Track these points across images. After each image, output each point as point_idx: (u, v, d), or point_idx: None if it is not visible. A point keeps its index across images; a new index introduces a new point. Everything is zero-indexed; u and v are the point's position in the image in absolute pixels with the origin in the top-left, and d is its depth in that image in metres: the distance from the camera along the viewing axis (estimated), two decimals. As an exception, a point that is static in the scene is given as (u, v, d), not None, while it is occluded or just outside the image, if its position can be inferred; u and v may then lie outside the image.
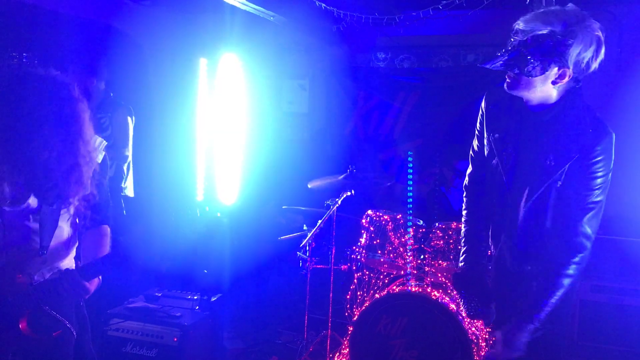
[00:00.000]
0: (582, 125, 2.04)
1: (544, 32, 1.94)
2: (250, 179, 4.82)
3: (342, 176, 3.86)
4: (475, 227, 2.39)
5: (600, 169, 2.02)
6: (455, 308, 3.39)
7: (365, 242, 3.76)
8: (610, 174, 2.06)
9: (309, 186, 4.01)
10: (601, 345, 4.04)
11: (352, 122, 5.29)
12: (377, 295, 3.63)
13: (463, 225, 2.45)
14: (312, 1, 3.99)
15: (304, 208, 4.28)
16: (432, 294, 3.42)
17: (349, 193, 3.75)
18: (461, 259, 2.42)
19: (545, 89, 2.04)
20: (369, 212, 3.85)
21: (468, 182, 2.50)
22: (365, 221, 3.82)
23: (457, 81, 4.83)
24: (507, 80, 2.09)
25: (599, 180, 2.02)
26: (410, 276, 3.67)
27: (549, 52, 1.94)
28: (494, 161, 2.25)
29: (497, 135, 2.22)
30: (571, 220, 2.07)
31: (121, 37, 4.63)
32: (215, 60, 4.75)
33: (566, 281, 2.05)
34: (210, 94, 4.81)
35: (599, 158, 2.01)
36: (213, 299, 3.80)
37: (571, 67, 1.97)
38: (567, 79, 2.00)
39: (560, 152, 2.06)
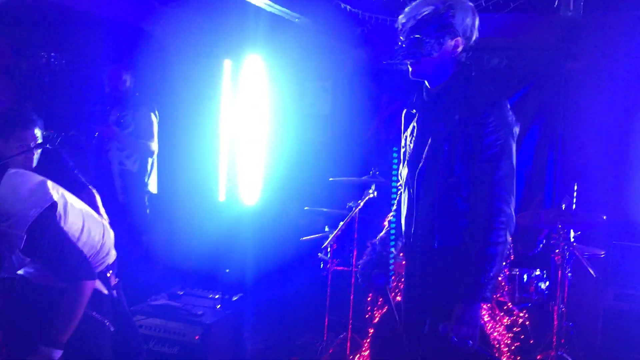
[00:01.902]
0: (470, 92, 2.15)
1: (429, 11, 2.13)
2: (272, 180, 4.84)
3: (364, 177, 3.86)
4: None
5: (491, 125, 2.06)
6: (477, 312, 3.37)
7: (387, 244, 3.75)
8: (509, 139, 2.07)
9: (330, 179, 4.03)
10: (626, 355, 3.98)
11: (374, 124, 5.28)
12: (398, 298, 3.62)
13: None
14: (337, 3, 4.00)
15: (325, 209, 4.28)
16: (454, 297, 3.40)
17: (371, 195, 3.75)
18: None
19: (444, 64, 2.17)
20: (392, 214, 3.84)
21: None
22: (388, 223, 3.81)
23: (480, 85, 4.79)
24: (410, 69, 2.23)
25: (493, 137, 2.06)
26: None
27: (439, 26, 2.12)
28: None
29: (411, 130, 2.36)
30: (479, 185, 2.09)
31: (148, 38, 4.68)
32: (239, 62, 4.78)
33: (496, 250, 2.02)
34: (234, 95, 4.85)
35: (486, 114, 2.06)
36: (234, 298, 3.83)
37: (461, 35, 2.14)
38: (460, 47, 2.16)
39: (448, 117, 2.16)
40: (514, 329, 3.57)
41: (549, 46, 4.46)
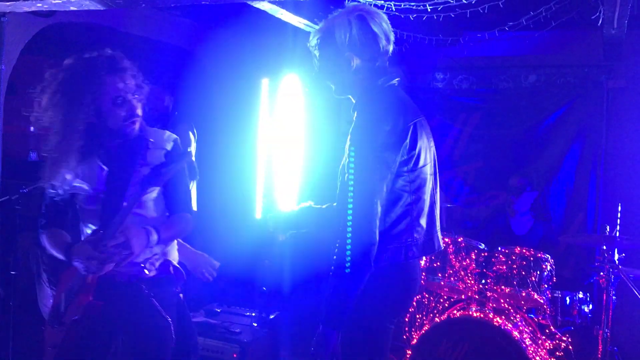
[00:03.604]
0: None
1: (315, 34, 2.18)
2: (309, 197, 4.84)
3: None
4: None
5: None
6: (518, 335, 3.31)
7: (425, 264, 3.72)
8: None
9: None
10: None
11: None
12: (437, 319, 3.58)
13: None
14: (375, 23, 4.01)
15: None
16: (495, 320, 3.35)
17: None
18: None
19: (348, 81, 2.16)
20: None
21: None
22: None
23: (518, 102, 4.74)
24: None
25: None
26: (471, 301, 3.61)
27: (325, 47, 2.14)
28: None
29: None
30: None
31: (188, 58, 4.77)
32: (277, 80, 4.83)
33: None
34: (271, 113, 4.89)
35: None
36: (271, 316, 3.84)
37: (349, 49, 2.09)
38: (356, 61, 2.11)
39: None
40: (557, 353, 3.49)
41: (590, 64, 4.40)
